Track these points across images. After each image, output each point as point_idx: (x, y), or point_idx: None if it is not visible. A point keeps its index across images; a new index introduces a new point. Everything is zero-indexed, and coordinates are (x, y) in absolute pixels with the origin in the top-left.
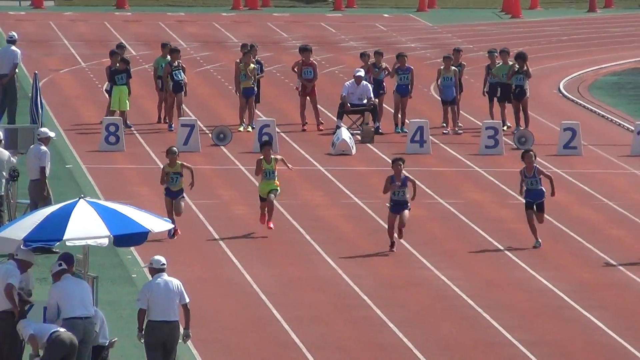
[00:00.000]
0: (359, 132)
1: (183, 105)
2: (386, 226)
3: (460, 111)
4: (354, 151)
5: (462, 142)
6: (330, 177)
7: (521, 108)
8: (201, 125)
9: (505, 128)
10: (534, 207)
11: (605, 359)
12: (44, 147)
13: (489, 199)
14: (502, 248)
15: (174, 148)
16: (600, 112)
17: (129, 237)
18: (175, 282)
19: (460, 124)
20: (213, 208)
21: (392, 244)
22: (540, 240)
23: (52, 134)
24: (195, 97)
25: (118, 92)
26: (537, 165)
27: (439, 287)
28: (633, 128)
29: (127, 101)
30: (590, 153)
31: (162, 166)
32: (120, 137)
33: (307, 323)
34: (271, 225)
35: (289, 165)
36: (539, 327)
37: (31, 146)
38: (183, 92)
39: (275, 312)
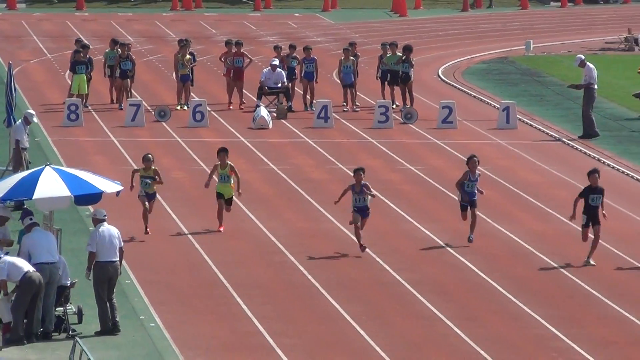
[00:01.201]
0: (274, 110)
1: (131, 89)
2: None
3: (357, 93)
4: (270, 125)
5: (359, 118)
6: (251, 147)
7: (407, 90)
8: (146, 105)
9: (394, 106)
10: (468, 207)
11: (475, 294)
12: (19, 123)
13: (380, 164)
14: (392, 205)
15: (150, 155)
16: (472, 93)
17: (87, 197)
18: (115, 230)
19: (357, 103)
20: (195, 176)
21: (361, 246)
22: (472, 237)
23: (35, 120)
24: (140, 82)
25: (78, 79)
26: (480, 173)
27: (340, 237)
28: (498, 106)
29: (85, 86)
30: (464, 126)
31: (134, 168)
32: (80, 115)
33: (232, 266)
34: (221, 229)
35: (238, 178)
36: (422, 269)
37: (17, 122)
38: (129, 79)
39: (206, 257)
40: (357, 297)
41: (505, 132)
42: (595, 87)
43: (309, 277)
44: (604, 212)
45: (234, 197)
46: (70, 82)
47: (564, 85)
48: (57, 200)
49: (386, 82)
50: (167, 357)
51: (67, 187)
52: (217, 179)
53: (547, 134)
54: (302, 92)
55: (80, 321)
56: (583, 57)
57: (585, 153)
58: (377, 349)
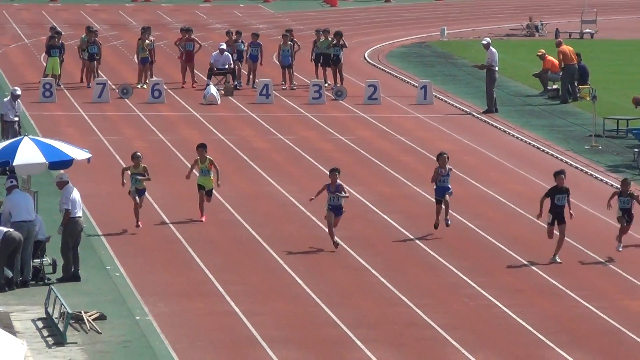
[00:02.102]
0: (222, 88)
1: (98, 70)
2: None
3: (294, 73)
4: (219, 102)
5: (295, 95)
6: (203, 120)
7: (337, 71)
8: (111, 84)
9: (326, 85)
10: (442, 201)
11: (398, 248)
12: (6, 100)
13: (315, 135)
14: (325, 170)
15: (138, 153)
16: (394, 73)
17: (60, 163)
18: (77, 190)
19: (294, 82)
20: (119, 142)
21: (334, 243)
22: (449, 221)
23: (19, 93)
24: (106, 64)
25: (52, 62)
26: (450, 167)
27: (280, 199)
28: (417, 84)
29: (58, 67)
30: (387, 102)
31: (123, 166)
32: (53, 92)
33: (187, 224)
34: (204, 219)
35: (217, 168)
36: (353, 226)
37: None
38: (96, 61)
39: (164, 216)
40: (295, 250)
41: (423, 107)
42: (496, 68)
43: (253, 233)
44: (571, 211)
45: (213, 189)
46: (45, 64)
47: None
48: (34, 166)
49: (319, 64)
50: (130, 302)
51: (42, 155)
52: (197, 173)
53: (459, 108)
54: (246, 72)
55: (54, 271)
56: (489, 40)
57: (491, 125)
58: (313, 295)
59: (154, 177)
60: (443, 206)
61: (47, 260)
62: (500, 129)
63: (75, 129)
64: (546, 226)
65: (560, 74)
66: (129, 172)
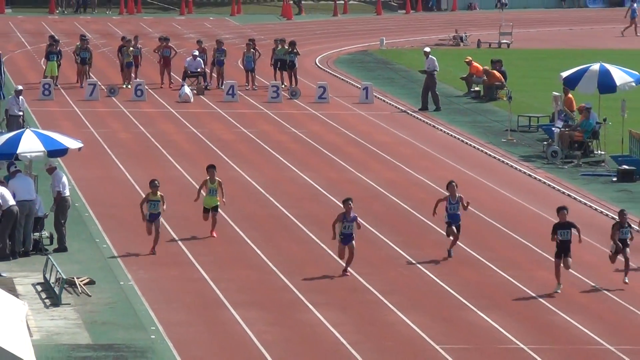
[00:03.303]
0: (195, 88)
1: (89, 72)
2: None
3: (256, 76)
4: (192, 100)
5: (257, 95)
6: (178, 115)
7: (293, 74)
8: (100, 84)
9: (283, 86)
10: (454, 227)
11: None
12: (10, 98)
13: (273, 129)
14: (281, 158)
15: (156, 182)
16: (340, 76)
17: (57, 151)
18: (63, 174)
19: (256, 84)
20: (107, 135)
21: (345, 269)
22: (450, 250)
23: (20, 87)
24: (96, 67)
25: (50, 65)
26: (460, 195)
27: (244, 182)
28: (360, 86)
29: (56, 70)
30: (334, 101)
31: (143, 198)
32: (52, 91)
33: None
34: (214, 235)
35: (223, 191)
36: (304, 205)
37: (9, 97)
38: (88, 65)
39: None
40: (255, 226)
41: (365, 106)
42: (436, 72)
43: (220, 211)
44: (579, 239)
45: (219, 207)
46: (44, 67)
47: (408, 71)
48: (35, 154)
49: (277, 68)
50: (115, 269)
51: (42, 144)
52: (204, 194)
53: (396, 107)
54: (215, 75)
55: (51, 243)
56: (429, 50)
57: (423, 121)
58: (271, 264)
59: (135, 161)
60: (452, 237)
61: (45, 233)
62: (430, 124)
63: (70, 122)
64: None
65: (483, 78)
66: (149, 198)
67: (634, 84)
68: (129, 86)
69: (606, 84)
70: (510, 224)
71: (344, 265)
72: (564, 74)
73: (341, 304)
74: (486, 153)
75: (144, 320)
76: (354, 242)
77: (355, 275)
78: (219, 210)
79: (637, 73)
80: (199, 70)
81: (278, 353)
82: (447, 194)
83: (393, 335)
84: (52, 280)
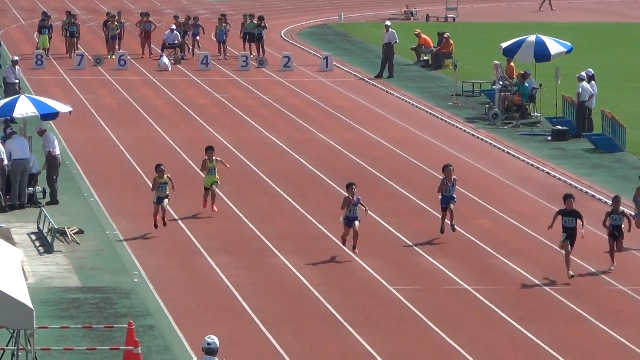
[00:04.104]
0: (172, 58)
1: (77, 44)
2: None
3: (228, 47)
4: (170, 69)
5: (228, 64)
6: (157, 83)
7: (260, 45)
8: (87, 55)
9: (251, 56)
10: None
11: (306, 177)
12: (7, 67)
13: (243, 94)
14: (250, 120)
15: (162, 166)
16: (303, 47)
17: (49, 115)
18: (53, 135)
19: (227, 54)
20: (93, 100)
21: (354, 247)
22: (454, 225)
23: (16, 58)
24: (84, 40)
25: (43, 38)
26: (455, 177)
27: (217, 142)
28: (320, 56)
29: (48, 42)
30: (298, 70)
31: (152, 183)
32: (44, 61)
33: (145, 161)
34: (215, 209)
35: (226, 164)
36: (271, 161)
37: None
38: (76, 37)
39: (127, 155)
40: (227, 181)
41: (325, 73)
42: (395, 43)
43: (195, 168)
44: (582, 231)
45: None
46: (37, 40)
47: (364, 42)
48: (29, 117)
49: (246, 40)
50: (102, 220)
51: (35, 109)
52: (203, 174)
53: (353, 74)
54: (190, 47)
55: (44, 197)
56: (389, 23)
57: (377, 87)
58: (241, 215)
59: (119, 124)
60: (448, 213)
61: (39, 188)
62: (384, 90)
63: (60, 89)
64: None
65: (431, 48)
66: (156, 182)
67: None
68: (113, 56)
69: (541, 53)
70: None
71: (346, 246)
72: (504, 45)
73: (304, 250)
74: (434, 115)
75: (128, 265)
76: (357, 222)
77: (317, 224)
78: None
79: (569, 44)
80: (176, 42)
81: (248, 294)
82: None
83: (351, 277)
84: (45, 230)
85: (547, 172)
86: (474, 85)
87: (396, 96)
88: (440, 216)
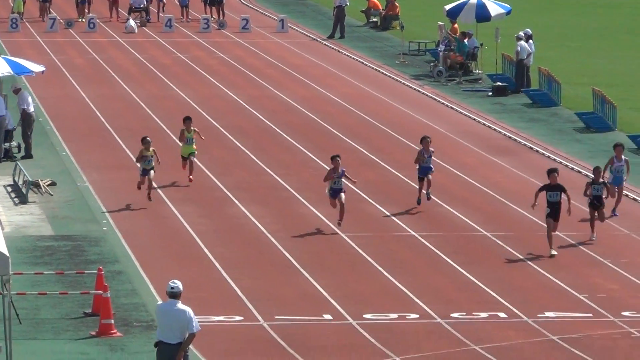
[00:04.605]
0: (139, 21)
1: (50, 8)
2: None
3: (190, 10)
4: (136, 31)
5: (190, 26)
6: (125, 44)
7: (220, 9)
8: (59, 19)
9: (212, 19)
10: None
11: (263, 131)
12: None
13: (204, 54)
14: (211, 78)
15: (148, 138)
16: (260, 10)
17: (24, 74)
18: (28, 93)
19: (190, 18)
20: (65, 60)
21: (340, 220)
22: (430, 194)
23: None
24: (56, 4)
25: (17, 3)
26: (433, 149)
27: (180, 99)
28: (277, 18)
29: (22, 7)
30: (255, 31)
31: (137, 155)
32: (19, 25)
33: (112, 117)
34: (191, 178)
35: (202, 137)
36: (230, 118)
37: None
38: (48, 2)
39: (96, 111)
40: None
41: (281, 34)
42: (346, 5)
43: (161, 124)
44: (569, 208)
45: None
46: (12, 4)
47: (317, 5)
48: (5, 76)
49: (207, 4)
50: (73, 172)
51: (10, 68)
52: (181, 144)
53: (307, 35)
54: (155, 10)
55: (19, 152)
56: None
57: (330, 47)
58: (203, 167)
59: (88, 82)
60: (425, 183)
61: (14, 144)
62: (335, 49)
63: (34, 50)
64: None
65: (380, 11)
66: (142, 153)
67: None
68: (84, 20)
69: (482, 14)
70: (402, 131)
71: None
72: (447, 7)
73: (262, 199)
74: (382, 73)
75: (97, 215)
76: (343, 194)
77: (274, 175)
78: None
79: (508, 5)
80: (142, 6)
81: (209, 240)
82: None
83: (305, 225)
84: (20, 182)
85: (488, 126)
86: (420, 45)
87: (347, 55)
88: (417, 187)
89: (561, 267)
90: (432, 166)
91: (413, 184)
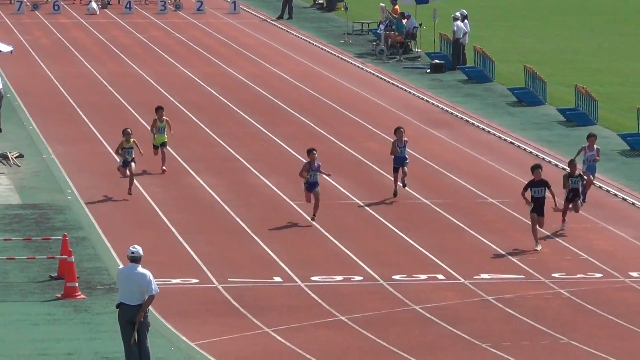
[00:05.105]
0: (100, 3)
1: None
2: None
3: None
4: (98, 13)
5: (148, 8)
6: (88, 25)
7: None
8: (26, 1)
9: (169, 0)
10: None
11: (216, 107)
12: None
13: (162, 35)
14: (169, 57)
15: (128, 130)
16: None
17: None
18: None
19: (148, 0)
20: (31, 41)
21: (313, 215)
22: (404, 181)
23: None
24: None
25: None
26: (407, 139)
27: (139, 76)
28: (229, 0)
29: None
30: (210, 12)
31: (117, 146)
32: None
33: (76, 93)
34: (164, 169)
35: (171, 131)
36: (188, 95)
37: None
38: None
39: (61, 88)
40: (148, 111)
41: (233, 16)
42: None
43: (120, 98)
44: (555, 203)
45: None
46: None
47: None
48: None
49: None
50: (39, 145)
51: None
52: (153, 133)
53: (258, 16)
54: None
55: None
56: None
57: (279, 27)
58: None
59: (53, 61)
60: (400, 173)
61: None
62: (284, 29)
63: (2, 31)
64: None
65: None
66: (122, 146)
67: None
68: (49, 2)
69: None
70: (346, 105)
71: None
72: None
73: (216, 170)
74: (328, 51)
75: (62, 185)
76: (318, 188)
77: (227, 147)
78: (167, 147)
79: None
80: None
81: (167, 208)
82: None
83: (257, 194)
84: None
85: (427, 100)
86: (363, 25)
87: (295, 35)
88: (392, 178)
89: (495, 232)
90: (407, 156)
91: (357, 155)
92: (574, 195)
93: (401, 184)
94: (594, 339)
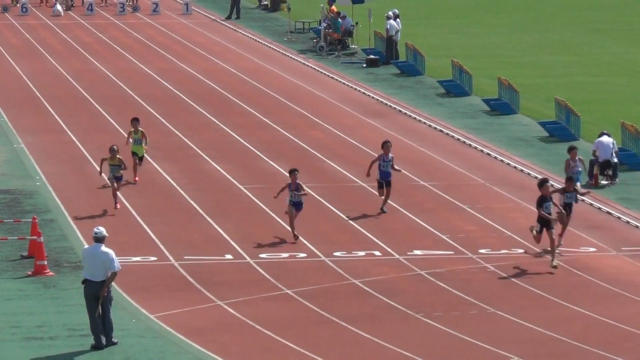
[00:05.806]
0: (64, 6)
1: None
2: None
3: None
4: (62, 14)
5: (109, 10)
6: (53, 26)
7: None
8: None
9: (129, 3)
10: (384, 184)
11: (170, 99)
12: None
13: (121, 34)
14: (128, 55)
15: (115, 147)
16: None
17: None
18: None
19: (108, 2)
20: (1, 40)
21: (295, 236)
22: (385, 209)
23: None
24: None
25: None
26: (392, 155)
27: (101, 72)
28: (182, 2)
29: None
30: (164, 14)
31: (102, 157)
32: None
33: (44, 85)
34: (137, 179)
35: (146, 146)
36: (143, 88)
37: None
38: None
39: (31, 85)
40: (109, 103)
41: (186, 16)
42: None
43: (84, 93)
44: (559, 208)
45: (144, 154)
46: None
47: None
48: None
49: None
50: (10, 136)
51: None
52: (131, 141)
53: (208, 17)
54: None
55: None
56: None
57: (228, 26)
58: (121, 130)
59: (22, 59)
60: (385, 192)
61: None
62: (232, 28)
63: None
64: (535, 234)
65: None
66: (108, 162)
67: None
68: (17, 4)
69: None
70: (290, 97)
71: (291, 230)
72: None
73: (172, 157)
74: (273, 48)
75: (31, 172)
76: (300, 211)
77: (181, 136)
78: (145, 156)
79: None
80: None
81: (127, 193)
82: (381, 153)
83: (209, 179)
84: None
85: (363, 92)
86: (304, 24)
87: (242, 34)
88: (377, 193)
89: (426, 212)
90: (391, 171)
91: (302, 144)
92: (569, 211)
93: (380, 208)
94: (518, 309)
